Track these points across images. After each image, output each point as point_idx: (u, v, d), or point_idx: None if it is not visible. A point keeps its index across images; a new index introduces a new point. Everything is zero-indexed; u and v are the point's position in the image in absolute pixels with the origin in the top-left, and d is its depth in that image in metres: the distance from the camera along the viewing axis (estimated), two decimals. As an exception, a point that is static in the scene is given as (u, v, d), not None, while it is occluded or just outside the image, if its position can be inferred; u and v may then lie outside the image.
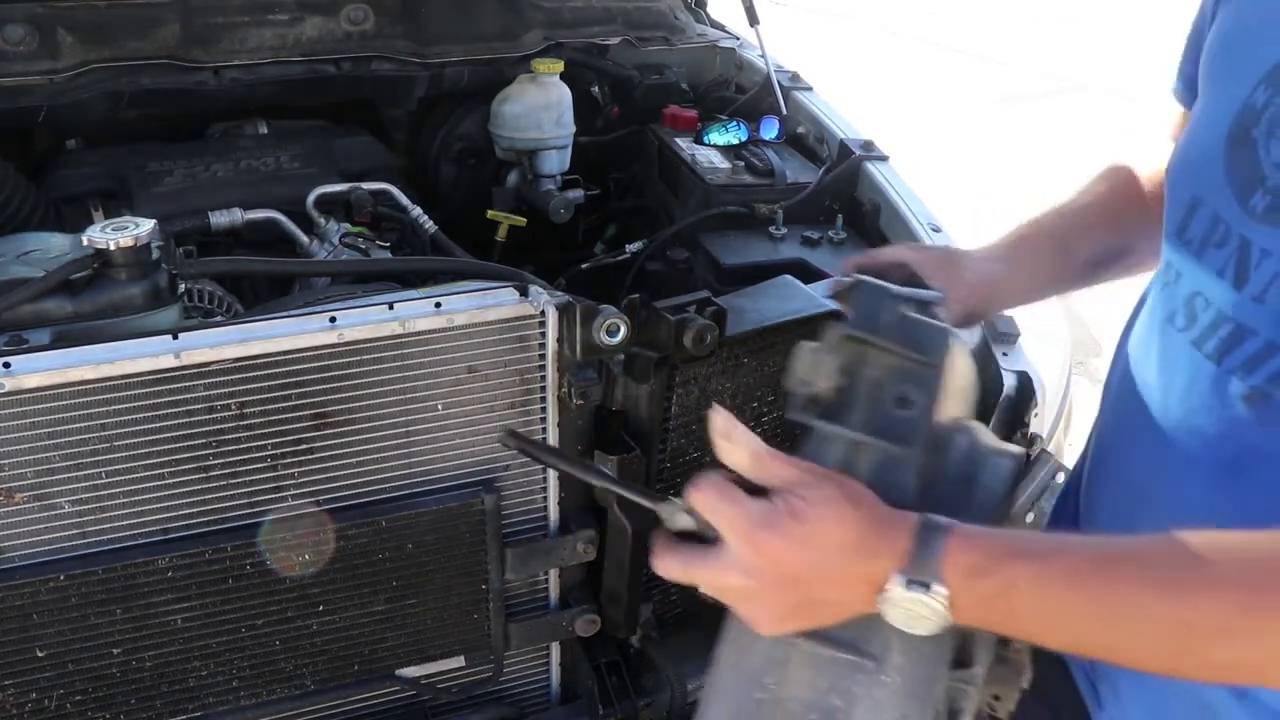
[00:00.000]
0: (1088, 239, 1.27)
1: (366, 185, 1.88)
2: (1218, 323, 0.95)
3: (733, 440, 0.91)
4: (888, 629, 0.86)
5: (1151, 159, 1.29)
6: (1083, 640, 0.82)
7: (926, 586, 0.80)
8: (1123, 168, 1.31)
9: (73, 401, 1.18)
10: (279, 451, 1.29)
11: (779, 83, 2.24)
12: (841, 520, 0.84)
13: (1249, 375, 0.91)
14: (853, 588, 0.84)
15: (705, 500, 0.88)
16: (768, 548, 0.85)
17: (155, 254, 1.34)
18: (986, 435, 1.04)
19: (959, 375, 1.00)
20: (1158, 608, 0.77)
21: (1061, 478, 1.07)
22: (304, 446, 1.29)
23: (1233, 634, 0.76)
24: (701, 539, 0.92)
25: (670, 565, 0.91)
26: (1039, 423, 1.54)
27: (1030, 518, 1.03)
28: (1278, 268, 0.89)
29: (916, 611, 0.82)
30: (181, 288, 1.38)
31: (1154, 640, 0.78)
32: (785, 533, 0.84)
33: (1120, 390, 1.12)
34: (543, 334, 1.34)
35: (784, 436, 1.49)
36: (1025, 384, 1.51)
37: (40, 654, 1.24)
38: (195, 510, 1.28)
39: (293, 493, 1.31)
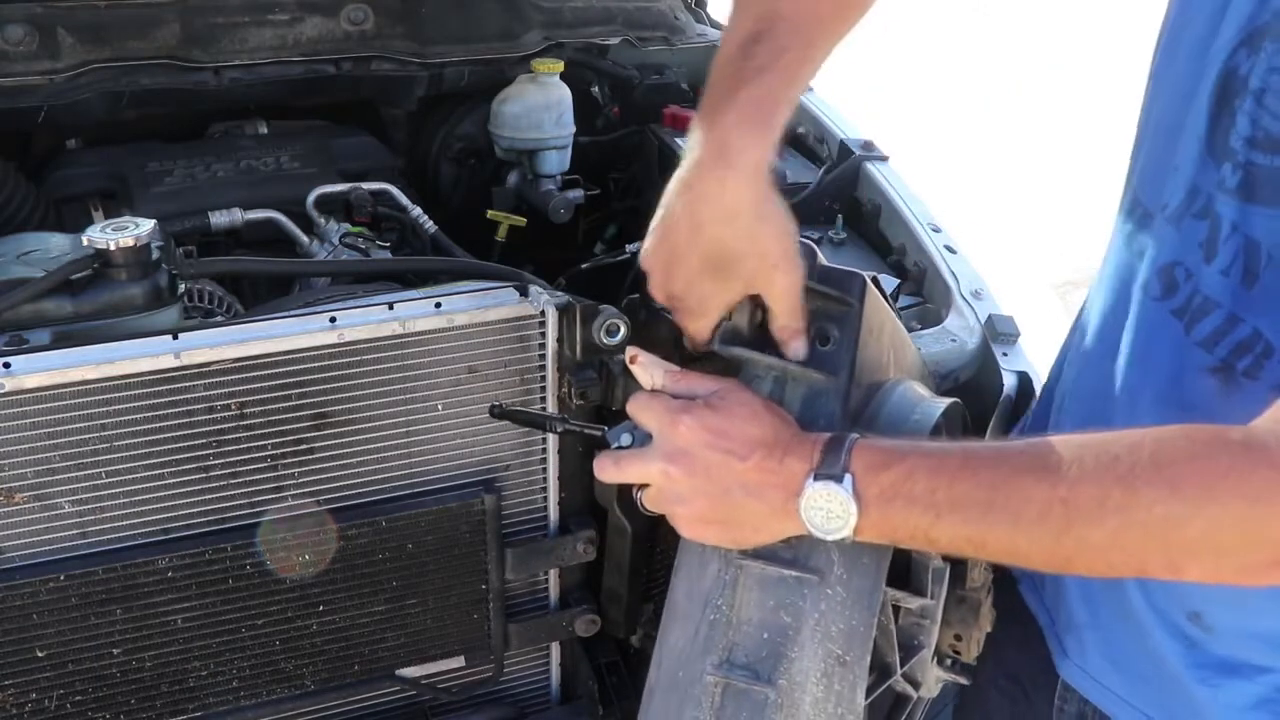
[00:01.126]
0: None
1: (366, 185, 1.87)
2: (1191, 295, 0.97)
3: (644, 365, 1.03)
4: (827, 544, 0.93)
5: None
6: (974, 529, 0.87)
7: (836, 480, 0.88)
8: None
9: (73, 401, 1.18)
10: (279, 451, 1.29)
11: (779, 83, 2.24)
12: (755, 418, 0.94)
13: (1215, 348, 0.95)
14: (769, 493, 0.91)
15: (637, 402, 1.01)
16: (685, 431, 0.94)
17: (155, 254, 1.34)
18: (919, 388, 1.10)
19: (879, 317, 1.04)
20: (1039, 488, 0.84)
21: None
22: (304, 446, 1.30)
23: (1106, 509, 0.81)
24: None
25: (605, 465, 1.02)
26: (1039, 423, 1.54)
27: None
28: (1242, 242, 0.91)
29: (830, 507, 0.88)
30: (181, 288, 1.38)
31: (1037, 522, 0.84)
32: (702, 418, 0.95)
33: (1092, 352, 1.12)
34: (543, 334, 1.34)
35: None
36: (1025, 384, 1.51)
37: (40, 654, 1.25)
38: (195, 510, 1.28)
39: (293, 493, 1.31)
